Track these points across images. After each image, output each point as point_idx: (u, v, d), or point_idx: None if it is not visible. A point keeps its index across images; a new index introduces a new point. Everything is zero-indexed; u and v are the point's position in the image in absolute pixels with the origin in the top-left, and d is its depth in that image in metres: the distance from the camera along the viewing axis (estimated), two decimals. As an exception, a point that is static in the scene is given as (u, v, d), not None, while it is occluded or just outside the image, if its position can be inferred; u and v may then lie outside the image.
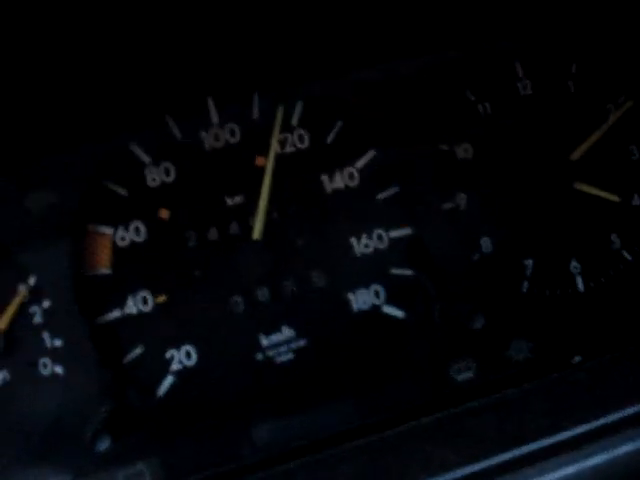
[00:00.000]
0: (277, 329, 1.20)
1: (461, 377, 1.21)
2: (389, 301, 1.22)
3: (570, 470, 0.98)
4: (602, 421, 1.04)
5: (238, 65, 1.21)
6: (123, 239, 1.19)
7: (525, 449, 1.01)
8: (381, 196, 1.23)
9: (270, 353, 1.20)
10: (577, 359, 1.21)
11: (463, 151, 1.24)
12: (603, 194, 1.26)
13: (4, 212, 1.16)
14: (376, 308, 1.22)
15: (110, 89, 1.17)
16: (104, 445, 1.02)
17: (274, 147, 1.19)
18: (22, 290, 1.16)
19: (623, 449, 1.00)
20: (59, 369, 1.16)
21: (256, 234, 1.18)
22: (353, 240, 1.22)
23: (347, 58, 1.22)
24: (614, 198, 1.26)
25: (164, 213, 1.19)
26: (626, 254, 1.27)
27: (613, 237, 1.27)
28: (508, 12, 1.24)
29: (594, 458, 0.99)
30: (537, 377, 1.17)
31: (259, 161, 1.21)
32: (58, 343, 1.16)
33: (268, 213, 1.19)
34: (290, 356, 1.20)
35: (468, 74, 1.25)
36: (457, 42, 1.25)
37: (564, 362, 1.21)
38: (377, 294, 1.22)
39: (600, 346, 1.20)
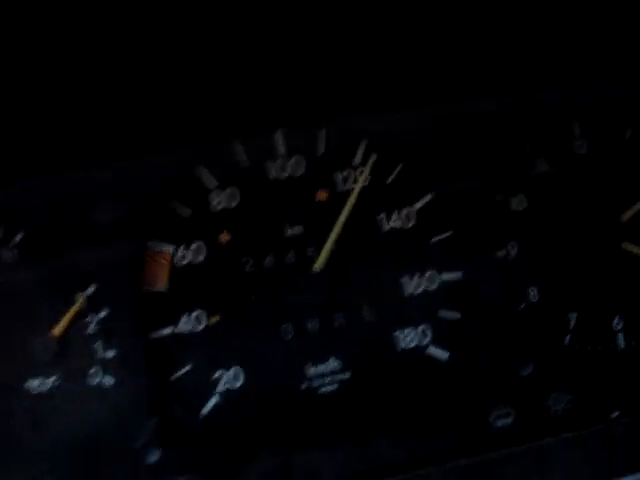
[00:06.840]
0: (324, 360, 1.22)
1: (500, 423, 1.23)
2: (435, 342, 1.25)
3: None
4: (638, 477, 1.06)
5: (309, 99, 1.25)
6: (182, 258, 1.22)
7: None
8: (435, 239, 1.26)
9: (315, 383, 1.22)
10: (615, 414, 1.23)
11: (518, 202, 1.28)
12: (650, 256, 1.30)
13: (71, 219, 1.19)
14: (421, 348, 1.25)
15: (184, 110, 1.21)
16: (154, 457, 1.04)
17: (360, 182, 1.23)
18: (80, 298, 1.19)
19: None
20: (108, 379, 1.18)
21: (318, 265, 1.21)
22: (405, 279, 1.25)
23: (413, 95, 1.26)
24: (660, 261, 1.30)
25: (225, 237, 1.22)
26: (668, 317, 1.30)
27: (656, 299, 1.30)
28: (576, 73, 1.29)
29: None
30: (574, 429, 1.19)
31: (320, 195, 1.24)
32: (110, 354, 1.18)
33: (329, 246, 1.22)
34: (334, 387, 1.23)
35: (528, 129, 1.29)
36: (521, 86, 1.29)
37: (602, 416, 1.23)
38: (424, 334, 1.25)
39: (638, 403, 1.23)
